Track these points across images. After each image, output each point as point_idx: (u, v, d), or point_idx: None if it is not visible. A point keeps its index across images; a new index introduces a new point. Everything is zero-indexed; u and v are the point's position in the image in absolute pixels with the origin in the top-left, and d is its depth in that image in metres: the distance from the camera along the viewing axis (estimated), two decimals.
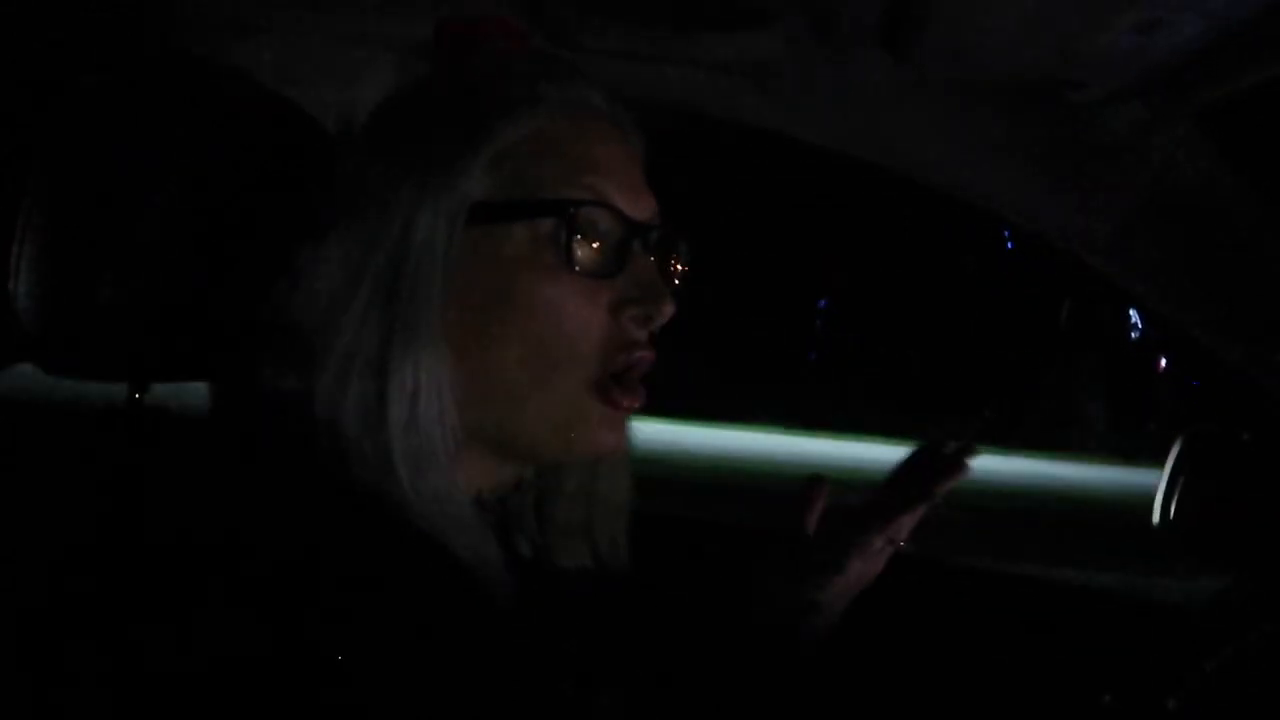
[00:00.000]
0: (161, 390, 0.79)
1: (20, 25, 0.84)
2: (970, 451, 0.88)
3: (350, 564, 0.57)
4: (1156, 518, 1.31)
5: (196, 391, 0.77)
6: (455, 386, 0.65)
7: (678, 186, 0.83)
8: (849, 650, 0.90)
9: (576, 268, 0.66)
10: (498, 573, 0.65)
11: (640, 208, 0.70)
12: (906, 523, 0.87)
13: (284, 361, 0.65)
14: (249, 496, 0.59)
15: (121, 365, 0.78)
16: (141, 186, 0.76)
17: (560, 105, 0.68)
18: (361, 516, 0.61)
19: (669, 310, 0.69)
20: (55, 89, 0.79)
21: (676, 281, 0.74)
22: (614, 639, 0.81)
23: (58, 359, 0.76)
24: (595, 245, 0.67)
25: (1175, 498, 1.32)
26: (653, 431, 0.79)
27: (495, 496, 0.74)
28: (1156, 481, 1.32)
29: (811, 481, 0.93)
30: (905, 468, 0.91)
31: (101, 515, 0.62)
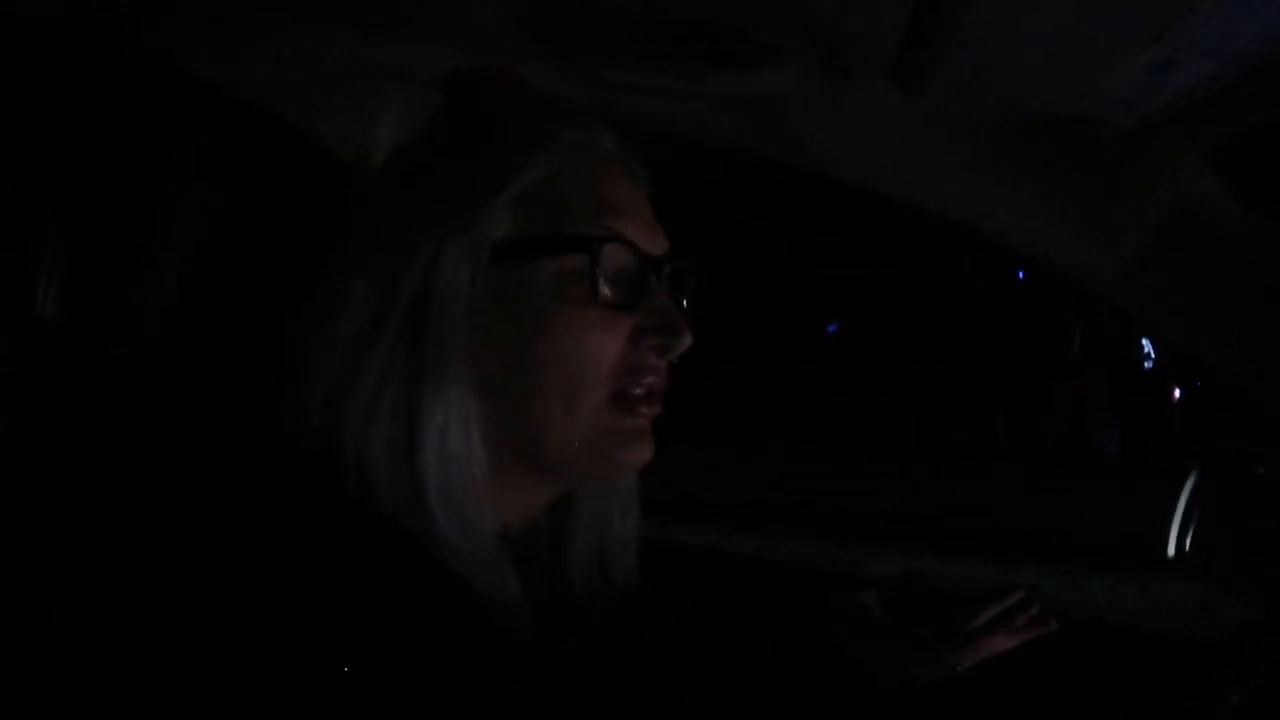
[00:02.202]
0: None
1: (32, 56, 0.86)
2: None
3: (373, 595, 0.58)
4: (1172, 550, 1.30)
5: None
6: (483, 420, 0.67)
7: (689, 216, 0.84)
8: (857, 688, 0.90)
9: (600, 301, 0.68)
10: (517, 606, 0.66)
11: (654, 244, 0.74)
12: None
13: (306, 396, 0.66)
14: (272, 526, 0.59)
15: (142, 389, 0.79)
16: (163, 215, 0.77)
17: (575, 147, 0.72)
18: (385, 548, 0.62)
19: (688, 340, 0.73)
20: (72, 117, 0.81)
21: (685, 304, 0.78)
22: (627, 666, 0.81)
23: (81, 380, 0.77)
24: (617, 280, 0.70)
25: (1190, 530, 1.31)
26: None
27: (519, 529, 0.75)
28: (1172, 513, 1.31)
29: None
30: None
31: (116, 535, 0.62)
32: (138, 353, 0.77)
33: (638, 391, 0.71)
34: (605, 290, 0.68)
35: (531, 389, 0.68)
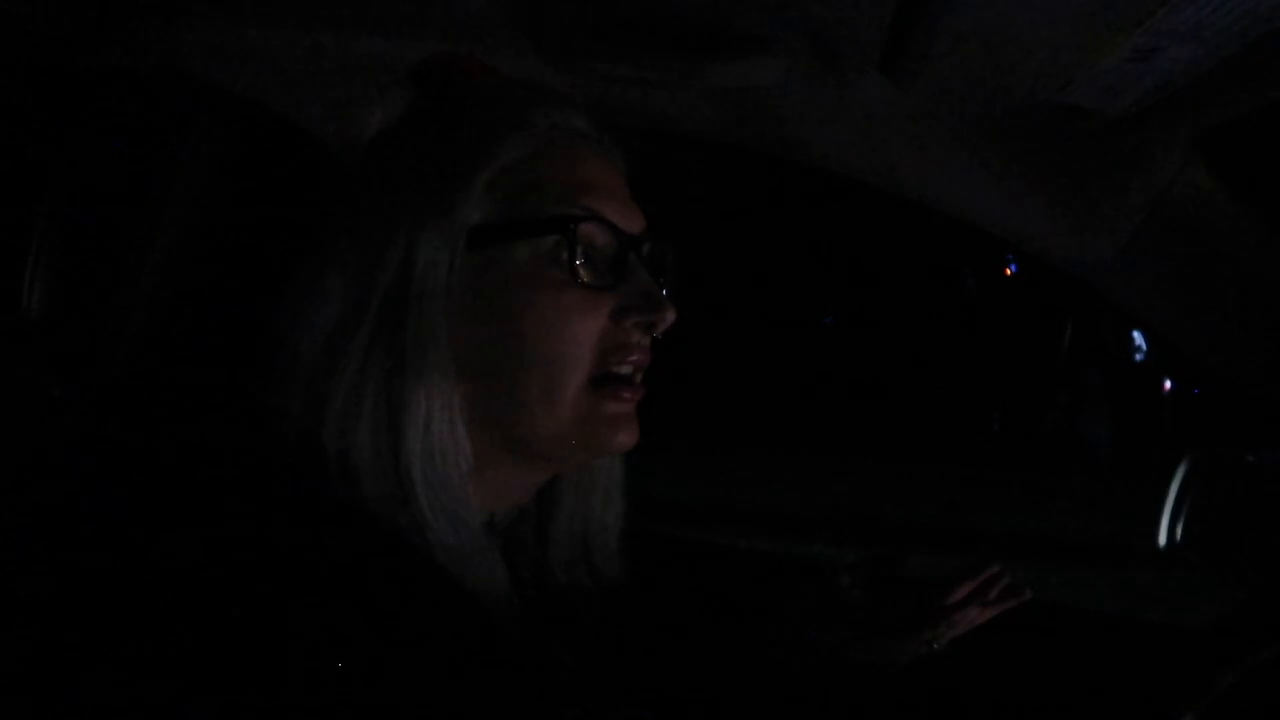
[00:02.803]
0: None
1: (24, 52, 0.86)
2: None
3: (360, 593, 0.58)
4: (1162, 539, 1.31)
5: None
6: (467, 407, 0.67)
7: (681, 206, 0.84)
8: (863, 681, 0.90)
9: (580, 281, 0.68)
10: (504, 595, 0.66)
11: (632, 221, 0.73)
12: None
13: (288, 391, 0.65)
14: (260, 523, 0.59)
15: (130, 386, 0.79)
16: (151, 211, 0.77)
17: (548, 129, 0.71)
18: (371, 546, 0.62)
19: (670, 317, 0.72)
20: (62, 111, 0.81)
21: (665, 281, 0.77)
22: (611, 654, 0.82)
23: (67, 374, 0.77)
24: (595, 259, 0.70)
25: (1181, 519, 1.31)
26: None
27: (505, 518, 0.75)
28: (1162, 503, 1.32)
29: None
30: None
31: (105, 535, 0.62)
32: (124, 349, 0.77)
33: (623, 370, 0.71)
34: (583, 270, 0.68)
35: (514, 374, 0.68)
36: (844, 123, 1.04)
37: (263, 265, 0.83)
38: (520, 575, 0.76)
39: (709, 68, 0.95)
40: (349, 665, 0.54)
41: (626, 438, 0.72)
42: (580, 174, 0.71)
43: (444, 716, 0.57)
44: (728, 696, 0.87)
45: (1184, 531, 1.30)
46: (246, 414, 0.67)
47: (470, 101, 0.73)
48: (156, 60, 1.00)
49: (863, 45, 0.88)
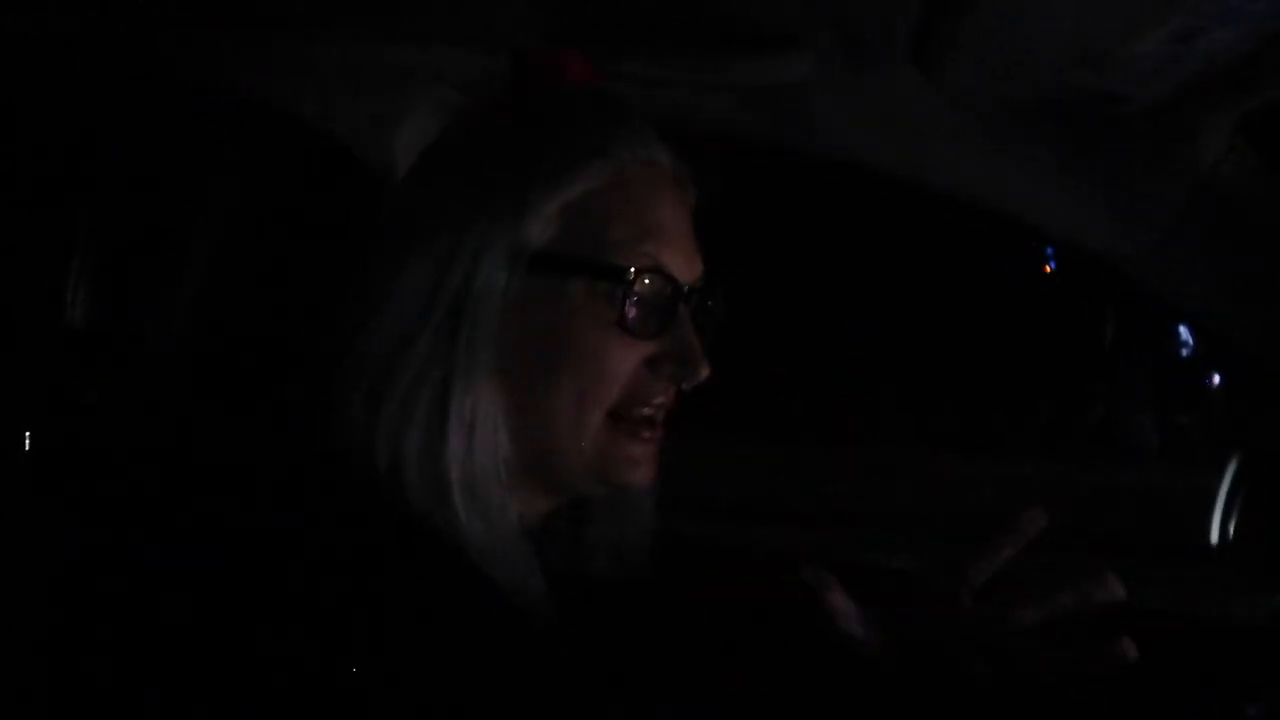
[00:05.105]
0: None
1: (59, 68, 0.88)
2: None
3: (401, 588, 0.59)
4: (1215, 536, 1.28)
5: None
6: (507, 420, 0.69)
7: (706, 208, 0.84)
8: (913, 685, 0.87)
9: (626, 326, 0.69)
10: (539, 597, 0.68)
11: (689, 270, 0.74)
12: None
13: (350, 392, 0.67)
14: (307, 521, 0.61)
15: (177, 394, 0.80)
16: (196, 223, 0.79)
17: (629, 161, 0.71)
18: (414, 542, 0.63)
19: (702, 375, 0.73)
20: (101, 127, 0.82)
21: (708, 334, 0.77)
22: (644, 652, 0.82)
23: (114, 387, 0.79)
24: (646, 306, 0.70)
25: (1234, 516, 1.29)
26: None
27: (538, 521, 0.75)
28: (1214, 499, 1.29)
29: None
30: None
31: (149, 542, 0.63)
32: (167, 357, 0.78)
33: (643, 412, 0.72)
34: (632, 316, 0.69)
35: (547, 397, 0.69)
36: (875, 117, 1.03)
37: (298, 274, 0.84)
38: (553, 574, 0.76)
39: (736, 66, 0.94)
40: (390, 671, 0.55)
41: (643, 475, 0.74)
42: (648, 215, 0.71)
43: (475, 712, 0.58)
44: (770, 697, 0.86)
45: (1237, 528, 1.28)
46: (297, 424, 0.69)
47: (554, 116, 0.73)
48: (194, 73, 1.02)
49: (892, 37, 0.87)
